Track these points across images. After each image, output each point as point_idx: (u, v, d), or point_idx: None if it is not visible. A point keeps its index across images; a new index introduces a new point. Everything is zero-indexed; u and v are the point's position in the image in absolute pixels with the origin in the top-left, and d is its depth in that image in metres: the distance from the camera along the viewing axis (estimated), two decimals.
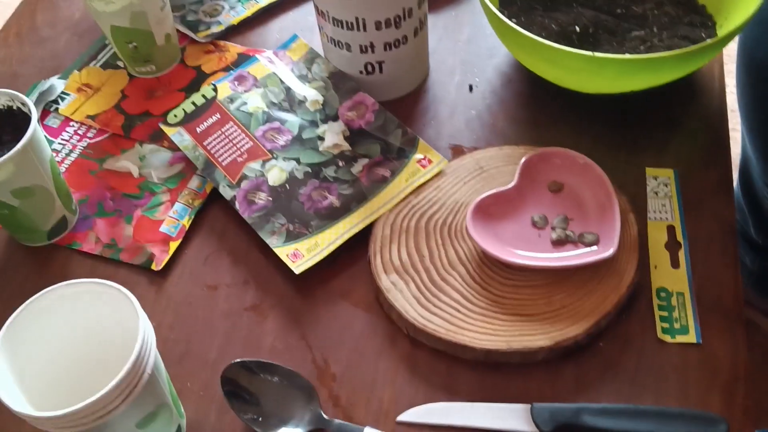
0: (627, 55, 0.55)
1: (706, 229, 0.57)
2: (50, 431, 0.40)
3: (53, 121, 0.68)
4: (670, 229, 0.56)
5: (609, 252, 0.52)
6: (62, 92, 0.70)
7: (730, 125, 0.67)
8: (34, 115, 0.54)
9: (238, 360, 0.50)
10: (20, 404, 0.40)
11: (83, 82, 0.71)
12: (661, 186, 0.59)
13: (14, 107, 0.57)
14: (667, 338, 0.51)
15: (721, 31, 0.63)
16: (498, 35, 0.63)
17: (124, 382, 0.40)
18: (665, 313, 0.52)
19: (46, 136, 0.67)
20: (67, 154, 0.66)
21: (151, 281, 0.58)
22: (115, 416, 0.40)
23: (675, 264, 0.55)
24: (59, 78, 0.72)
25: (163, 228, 0.60)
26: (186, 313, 0.56)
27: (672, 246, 0.56)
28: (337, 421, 0.49)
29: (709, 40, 0.55)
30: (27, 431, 0.51)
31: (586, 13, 0.65)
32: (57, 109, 0.69)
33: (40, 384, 0.43)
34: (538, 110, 0.66)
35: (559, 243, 0.55)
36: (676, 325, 0.52)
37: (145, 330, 0.41)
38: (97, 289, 0.43)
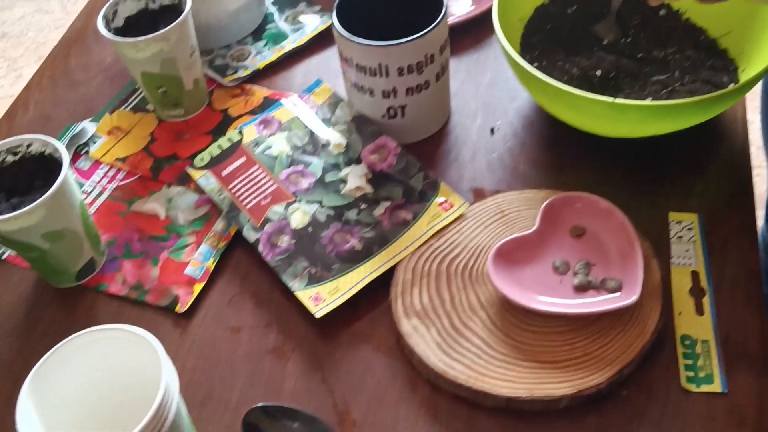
0: (648, 101, 0.55)
1: (731, 274, 0.56)
2: None
3: (84, 164, 0.70)
4: (695, 275, 0.56)
5: (632, 299, 0.51)
6: (93, 135, 0.72)
7: (756, 162, 0.67)
8: (66, 161, 0.56)
9: (260, 405, 0.50)
10: None
11: (114, 125, 0.73)
12: (685, 230, 0.59)
13: (46, 153, 0.58)
14: (692, 387, 0.50)
15: (744, 76, 0.63)
16: (519, 80, 0.63)
17: (147, 429, 0.40)
18: (690, 362, 0.52)
19: (76, 179, 0.69)
20: (97, 196, 0.67)
21: (176, 323, 0.59)
22: None
23: (699, 310, 0.54)
24: (91, 121, 0.74)
25: (188, 270, 0.61)
26: (209, 355, 0.57)
27: (696, 292, 0.55)
28: None
29: (731, 86, 0.56)
30: None
31: (608, 58, 0.65)
32: (88, 151, 0.71)
33: (66, 428, 0.44)
34: (559, 153, 0.66)
35: (581, 289, 0.54)
36: (701, 374, 0.51)
37: (167, 377, 0.42)
38: (122, 335, 0.44)
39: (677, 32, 0.67)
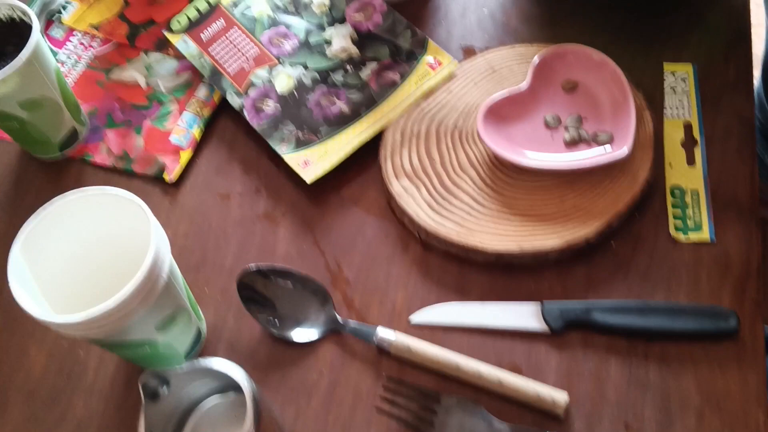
0: None
1: (724, 126, 0.55)
2: (72, 336, 0.42)
3: (57, 32, 0.67)
4: (687, 126, 0.55)
5: (623, 152, 0.51)
6: (64, 2, 0.69)
7: (755, 21, 0.65)
8: (36, 24, 0.53)
9: (253, 265, 0.51)
10: (43, 312, 0.41)
11: None
12: (679, 81, 0.57)
13: (16, 18, 0.56)
14: (680, 236, 0.51)
15: None
16: None
17: (141, 286, 0.40)
18: (679, 211, 0.52)
19: (50, 48, 0.66)
20: (73, 66, 0.65)
21: (165, 191, 0.59)
22: (134, 320, 0.42)
23: (691, 161, 0.54)
24: None
25: (173, 138, 0.60)
26: (200, 222, 0.57)
27: (688, 143, 0.55)
28: (351, 322, 0.50)
29: None
30: (51, 339, 0.53)
31: None
32: (60, 19, 0.68)
33: (59, 292, 0.44)
34: (552, 6, 0.63)
35: (572, 143, 0.54)
36: (690, 223, 0.51)
37: (157, 236, 0.42)
38: (109, 197, 0.44)
39: None
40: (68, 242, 0.45)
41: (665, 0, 0.61)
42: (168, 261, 0.43)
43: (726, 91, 0.57)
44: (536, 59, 0.56)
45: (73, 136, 0.60)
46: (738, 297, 0.49)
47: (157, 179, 0.59)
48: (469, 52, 0.62)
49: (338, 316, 0.50)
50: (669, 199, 0.52)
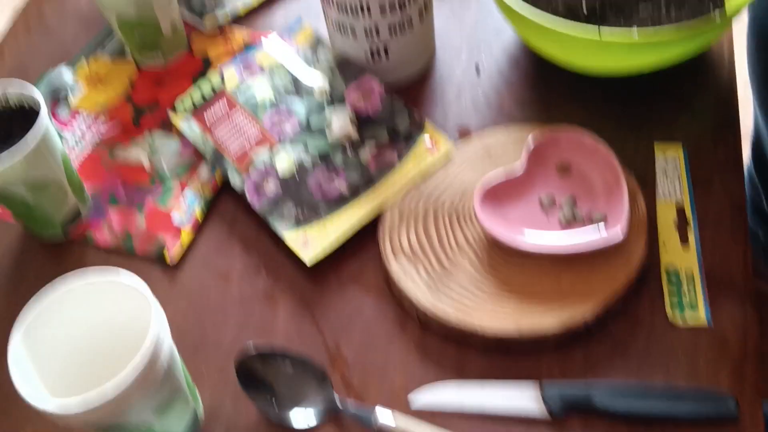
0: (635, 35, 0.54)
1: (716, 207, 0.56)
2: (68, 423, 0.41)
3: (63, 113, 0.69)
4: (680, 208, 0.56)
5: (618, 235, 0.52)
6: (71, 83, 0.71)
7: (744, 95, 0.67)
8: (44, 109, 0.55)
9: (251, 347, 0.51)
10: (42, 399, 0.41)
11: (91, 72, 0.71)
12: (670, 164, 0.59)
13: (25, 104, 0.57)
14: (677, 317, 0.51)
15: (730, 5, 0.62)
16: (504, 16, 0.62)
17: (139, 372, 0.40)
18: (674, 293, 0.52)
19: (56, 128, 0.68)
20: (78, 145, 0.66)
21: (165, 271, 0.59)
22: (131, 405, 0.41)
23: (684, 243, 0.55)
24: (66, 65, 0.72)
25: (175, 217, 0.60)
26: (200, 301, 0.57)
27: (681, 224, 0.56)
28: (350, 404, 0.50)
29: (716, 16, 0.55)
30: (47, 421, 0.52)
31: None
32: (67, 100, 0.70)
33: (58, 377, 0.44)
34: (546, 90, 0.65)
35: (567, 224, 0.55)
36: (686, 304, 0.52)
37: (158, 321, 0.42)
38: (112, 281, 0.44)
39: None
40: (68, 327, 0.45)
41: (654, 84, 0.64)
42: (167, 345, 0.44)
43: (716, 173, 0.58)
44: (530, 142, 0.57)
45: (76, 215, 0.61)
46: (737, 380, 0.48)
47: (158, 258, 0.59)
48: (465, 134, 0.64)
49: (337, 399, 0.50)
50: (664, 279, 0.53)
